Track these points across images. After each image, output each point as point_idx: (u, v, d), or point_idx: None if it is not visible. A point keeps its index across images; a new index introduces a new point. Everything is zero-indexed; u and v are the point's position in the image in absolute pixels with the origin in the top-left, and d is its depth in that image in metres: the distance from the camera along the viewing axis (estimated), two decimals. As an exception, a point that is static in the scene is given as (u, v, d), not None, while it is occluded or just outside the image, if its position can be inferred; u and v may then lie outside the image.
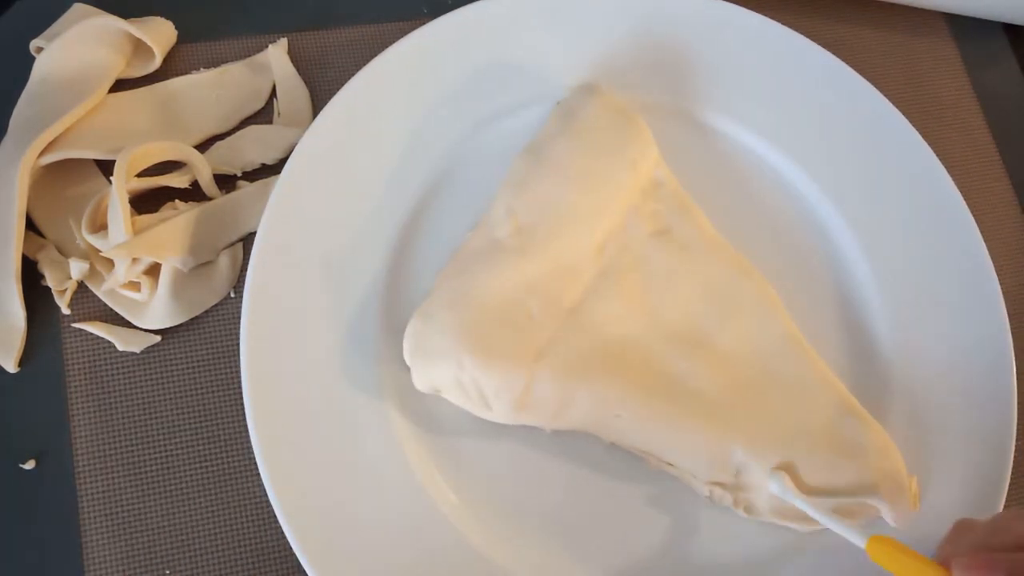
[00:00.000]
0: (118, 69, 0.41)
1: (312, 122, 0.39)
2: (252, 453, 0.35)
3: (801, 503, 0.34)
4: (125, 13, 0.41)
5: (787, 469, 0.35)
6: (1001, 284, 0.41)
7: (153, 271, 0.39)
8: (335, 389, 0.36)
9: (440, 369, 0.35)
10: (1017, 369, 0.40)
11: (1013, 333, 0.40)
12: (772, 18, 0.44)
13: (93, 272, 0.39)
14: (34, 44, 0.41)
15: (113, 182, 0.37)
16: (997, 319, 0.40)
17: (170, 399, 0.38)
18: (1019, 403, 0.39)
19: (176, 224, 0.39)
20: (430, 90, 0.41)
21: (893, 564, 0.31)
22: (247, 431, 0.35)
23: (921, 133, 0.43)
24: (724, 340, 0.37)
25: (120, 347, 0.38)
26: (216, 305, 0.40)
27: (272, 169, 0.42)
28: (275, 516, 0.35)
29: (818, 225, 0.42)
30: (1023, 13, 0.49)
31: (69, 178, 0.40)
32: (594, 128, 0.39)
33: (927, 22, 0.50)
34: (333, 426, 0.36)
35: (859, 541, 0.32)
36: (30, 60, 0.41)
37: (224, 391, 0.38)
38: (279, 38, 0.44)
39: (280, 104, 0.43)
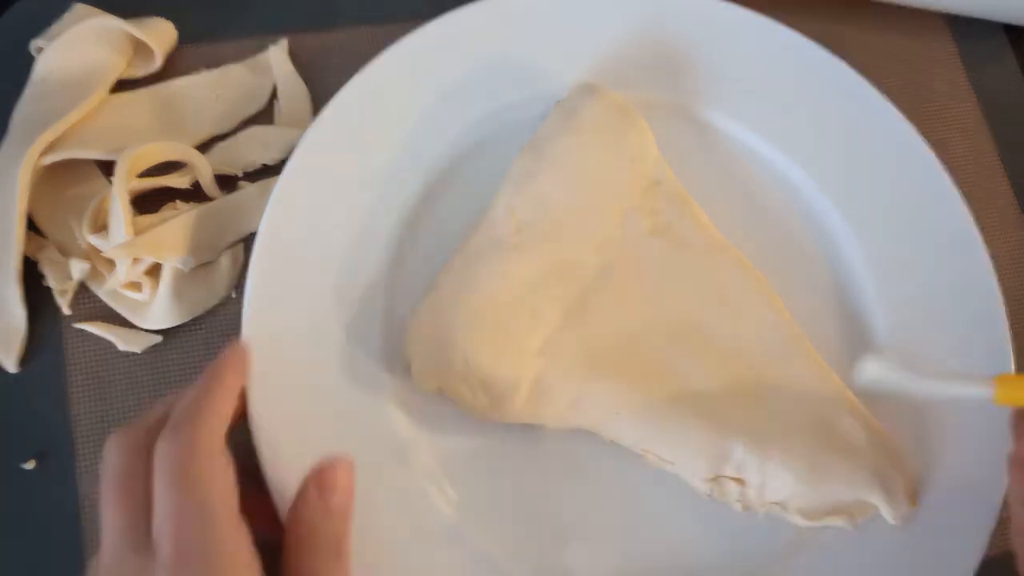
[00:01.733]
0: (119, 70, 0.42)
1: (312, 122, 0.39)
2: (253, 454, 0.34)
3: (908, 380, 0.33)
4: (126, 14, 0.41)
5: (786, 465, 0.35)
6: (1001, 284, 0.41)
7: (154, 271, 0.39)
8: (336, 388, 0.36)
9: (440, 367, 0.35)
10: (1016, 369, 0.40)
11: (1012, 333, 0.40)
12: (772, 17, 0.44)
13: (94, 272, 0.39)
14: (35, 44, 0.41)
15: (114, 182, 0.37)
16: (997, 319, 0.40)
17: (171, 399, 0.38)
18: (1019, 403, 0.39)
19: (177, 224, 0.39)
20: (430, 90, 0.41)
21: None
22: (247, 431, 0.35)
23: (921, 133, 0.43)
24: (723, 338, 0.37)
25: (121, 347, 0.38)
26: (217, 305, 0.40)
27: (273, 169, 0.42)
28: (276, 515, 0.35)
29: (817, 223, 0.42)
30: (1023, 13, 0.49)
31: (70, 178, 0.40)
32: (594, 126, 0.39)
33: (927, 22, 0.50)
34: (334, 425, 0.36)
35: (985, 389, 0.32)
36: (31, 60, 0.41)
37: (225, 391, 0.38)
38: (280, 39, 0.44)
39: (281, 105, 0.43)
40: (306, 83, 0.44)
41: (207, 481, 0.27)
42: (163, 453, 0.28)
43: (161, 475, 0.27)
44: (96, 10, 0.42)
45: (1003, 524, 0.38)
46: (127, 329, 0.39)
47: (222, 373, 0.30)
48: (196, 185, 0.41)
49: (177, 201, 0.40)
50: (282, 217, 0.38)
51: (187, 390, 0.30)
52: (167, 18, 0.43)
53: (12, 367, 0.38)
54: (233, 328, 0.39)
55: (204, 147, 0.42)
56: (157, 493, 0.27)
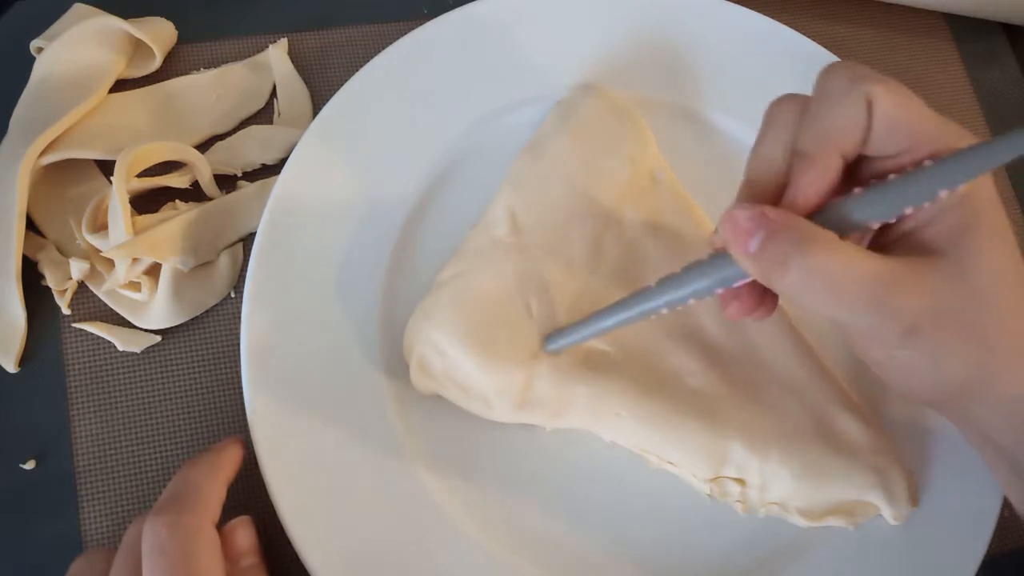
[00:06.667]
0: (118, 69, 0.41)
1: (312, 122, 0.39)
2: (252, 453, 0.35)
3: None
4: (125, 13, 0.41)
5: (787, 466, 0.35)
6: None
7: (153, 271, 0.39)
8: (335, 389, 0.36)
9: (439, 368, 0.35)
10: None
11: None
12: (772, 17, 0.44)
13: (93, 272, 0.39)
14: (34, 44, 0.41)
15: (113, 182, 0.37)
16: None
17: (170, 399, 0.38)
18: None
19: (176, 224, 0.39)
20: (430, 89, 0.41)
21: None
22: (247, 431, 0.35)
23: (921, 133, 0.43)
24: (722, 337, 0.37)
25: (120, 347, 0.38)
26: (216, 305, 0.40)
27: (272, 169, 0.42)
28: (275, 516, 0.35)
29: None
30: (1023, 13, 0.49)
31: (69, 178, 0.40)
32: (593, 126, 0.39)
33: (927, 22, 0.50)
34: (333, 425, 0.36)
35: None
36: (30, 60, 0.41)
37: (224, 391, 0.38)
38: (279, 38, 0.44)
39: (280, 104, 0.43)
40: (306, 82, 0.44)
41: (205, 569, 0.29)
42: (163, 534, 0.29)
43: (158, 555, 0.29)
44: (96, 10, 0.42)
45: (1003, 524, 0.38)
46: (126, 329, 0.39)
47: (220, 466, 0.33)
48: (196, 185, 0.41)
49: (176, 201, 0.40)
50: (281, 217, 0.38)
51: (180, 480, 0.32)
52: (167, 18, 0.43)
53: (12, 367, 0.38)
54: (232, 328, 0.39)
55: (204, 147, 0.42)
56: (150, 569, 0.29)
